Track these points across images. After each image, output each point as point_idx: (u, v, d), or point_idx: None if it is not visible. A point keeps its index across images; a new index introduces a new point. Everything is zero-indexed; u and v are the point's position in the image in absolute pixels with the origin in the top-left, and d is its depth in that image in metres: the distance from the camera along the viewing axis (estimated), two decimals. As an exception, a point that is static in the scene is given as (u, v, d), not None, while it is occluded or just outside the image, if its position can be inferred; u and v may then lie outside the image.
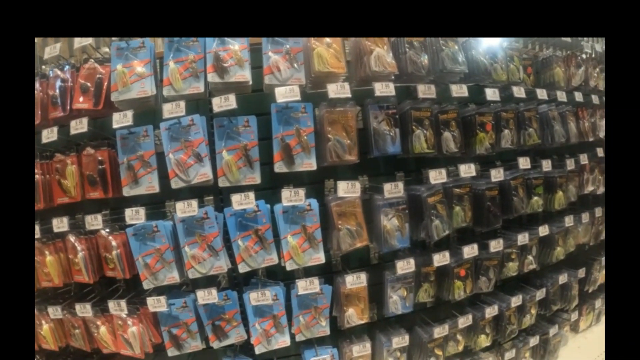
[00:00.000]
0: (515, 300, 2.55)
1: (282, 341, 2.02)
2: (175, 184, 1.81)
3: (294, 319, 2.02)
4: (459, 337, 2.42)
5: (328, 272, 2.17)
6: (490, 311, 2.46)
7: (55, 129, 1.94)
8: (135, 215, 1.83)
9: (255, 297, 1.89)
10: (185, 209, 1.78)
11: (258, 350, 1.99)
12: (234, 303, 1.96)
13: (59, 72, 2.05)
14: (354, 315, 2.08)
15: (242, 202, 1.78)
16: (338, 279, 2.07)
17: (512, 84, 2.41)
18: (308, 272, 2.05)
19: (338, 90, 1.89)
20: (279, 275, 2.11)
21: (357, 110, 2.00)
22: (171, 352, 2.03)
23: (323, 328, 2.06)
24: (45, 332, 2.18)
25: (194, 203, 1.79)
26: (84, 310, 2.03)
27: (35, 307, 2.15)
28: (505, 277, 2.52)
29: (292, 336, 2.06)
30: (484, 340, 2.51)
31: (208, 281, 2.08)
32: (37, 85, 2.06)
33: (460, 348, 2.46)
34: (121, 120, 1.84)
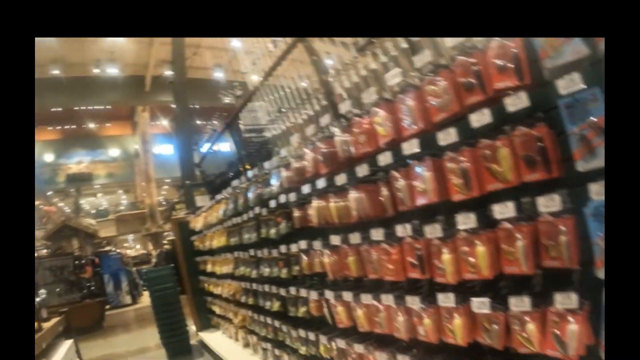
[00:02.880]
0: None
1: None
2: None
3: None
4: None
5: None
6: None
7: (485, 111, 1.90)
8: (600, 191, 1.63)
9: None
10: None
11: None
12: None
13: (464, 58, 2.03)
14: None
15: None
16: None
17: None
18: None
19: None
20: None
21: None
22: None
23: None
24: (456, 326, 2.12)
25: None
26: (520, 304, 1.88)
27: (451, 298, 2.11)
28: None
29: None
30: None
31: None
32: (441, 76, 2.07)
33: None
34: (569, 86, 1.69)
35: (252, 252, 3.76)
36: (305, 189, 2.83)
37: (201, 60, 21.37)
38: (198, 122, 19.16)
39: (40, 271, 10.90)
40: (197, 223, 5.83)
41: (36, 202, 27.27)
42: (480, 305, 1.97)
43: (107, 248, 18.51)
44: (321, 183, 2.67)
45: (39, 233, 14.98)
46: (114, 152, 32.14)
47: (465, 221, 1.94)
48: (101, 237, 20.78)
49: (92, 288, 11.53)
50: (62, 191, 29.40)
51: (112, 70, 22.36)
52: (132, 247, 28.16)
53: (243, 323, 4.52)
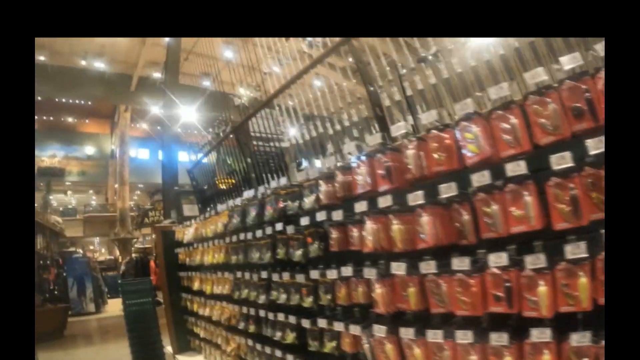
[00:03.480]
0: None
1: None
2: None
3: None
4: None
5: None
6: None
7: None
8: None
9: None
10: None
11: None
12: None
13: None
14: None
15: None
16: None
17: None
18: None
19: None
20: None
21: None
22: None
23: None
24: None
25: None
26: None
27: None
28: None
29: None
30: None
31: None
32: (550, 98, 1.76)
33: None
34: None
35: (264, 274, 3.28)
36: (355, 206, 2.41)
37: (190, 67, 20.87)
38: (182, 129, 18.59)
39: None
40: (186, 234, 5.30)
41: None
42: (581, 338, 1.69)
43: (72, 249, 17.53)
44: (382, 201, 2.26)
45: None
46: (89, 150, 31.02)
47: (575, 251, 1.67)
48: (67, 237, 19.76)
49: (55, 292, 10.66)
50: (31, 184, 28.08)
51: (100, 65, 21.62)
52: (98, 250, 26.91)
53: (237, 351, 4.00)
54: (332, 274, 2.57)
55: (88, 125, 31.88)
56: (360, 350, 2.49)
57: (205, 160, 5.79)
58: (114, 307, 14.38)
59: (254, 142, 4.52)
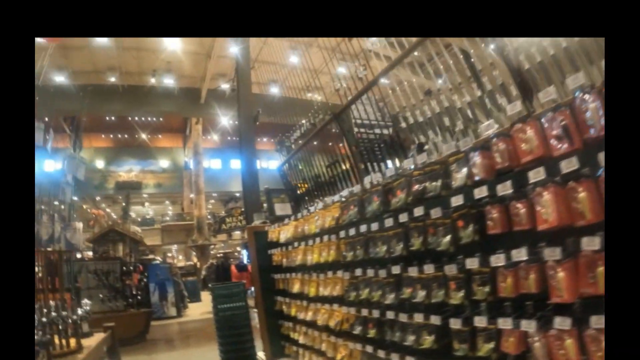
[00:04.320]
0: None
1: None
2: None
3: None
4: None
5: None
6: None
7: None
8: None
9: None
10: None
11: None
12: None
13: None
14: None
15: None
16: None
17: None
18: None
19: None
20: None
21: None
22: None
23: None
24: None
25: None
26: None
27: None
28: None
29: None
30: None
31: None
32: None
33: None
34: None
35: (395, 269, 2.86)
36: (529, 176, 1.96)
37: (255, 75, 21.01)
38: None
39: (84, 274, 10.05)
40: (282, 234, 5.00)
41: (84, 206, 27.51)
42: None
43: (151, 256, 18.05)
44: (564, 166, 1.81)
45: (85, 235, 14.54)
46: (163, 163, 32.29)
47: None
48: (146, 245, 20.42)
49: (138, 297, 10.77)
50: (111, 197, 29.63)
51: (168, 81, 22.30)
52: (175, 257, 27.83)
53: (349, 359, 3.62)
54: (497, 261, 2.11)
55: (161, 140, 33.19)
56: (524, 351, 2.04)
57: (297, 156, 5.53)
58: (194, 311, 14.58)
59: (358, 130, 4.16)
